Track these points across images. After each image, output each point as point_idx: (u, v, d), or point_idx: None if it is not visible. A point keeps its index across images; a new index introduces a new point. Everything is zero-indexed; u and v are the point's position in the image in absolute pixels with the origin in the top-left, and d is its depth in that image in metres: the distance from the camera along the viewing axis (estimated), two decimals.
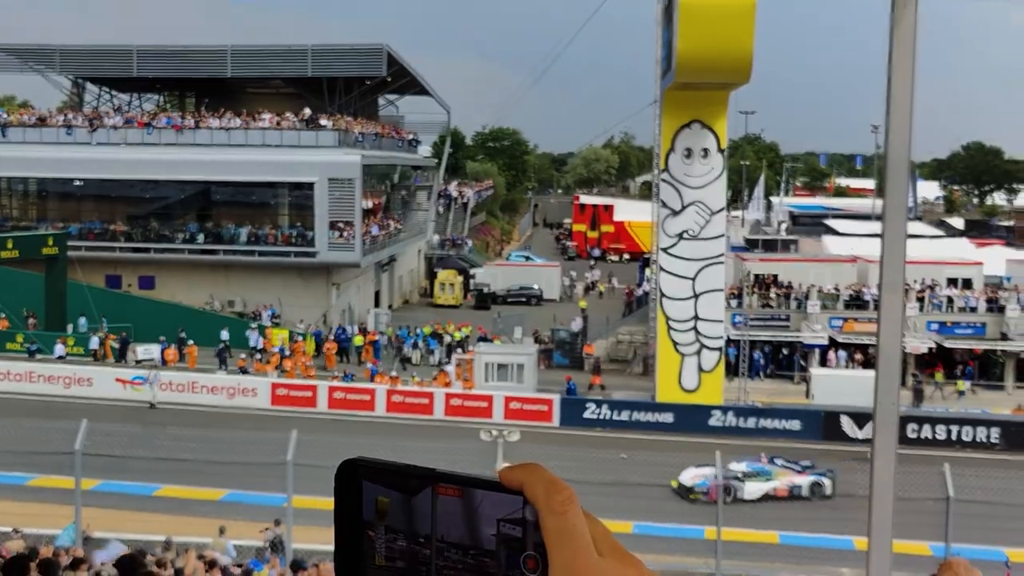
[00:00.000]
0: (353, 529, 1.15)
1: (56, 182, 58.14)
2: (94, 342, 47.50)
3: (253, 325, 51.89)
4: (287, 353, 48.10)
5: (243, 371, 44.27)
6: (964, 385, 47.43)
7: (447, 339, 52.15)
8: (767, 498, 30.45)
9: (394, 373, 45.10)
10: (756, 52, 36.16)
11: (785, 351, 50.80)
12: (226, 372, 44.77)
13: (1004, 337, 49.61)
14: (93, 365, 45.20)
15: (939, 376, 47.75)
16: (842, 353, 49.12)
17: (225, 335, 49.10)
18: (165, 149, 55.95)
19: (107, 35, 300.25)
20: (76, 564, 13.25)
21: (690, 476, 30.90)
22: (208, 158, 55.09)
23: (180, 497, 28.57)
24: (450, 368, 45.82)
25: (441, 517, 1.11)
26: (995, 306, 50.91)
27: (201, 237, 56.47)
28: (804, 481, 30.77)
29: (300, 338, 50.51)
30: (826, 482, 30.71)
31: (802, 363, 49.63)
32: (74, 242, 53.91)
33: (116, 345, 47.95)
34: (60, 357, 45.65)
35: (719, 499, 21.45)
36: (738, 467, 31.16)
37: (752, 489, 30.33)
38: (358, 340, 52.02)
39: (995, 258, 61.93)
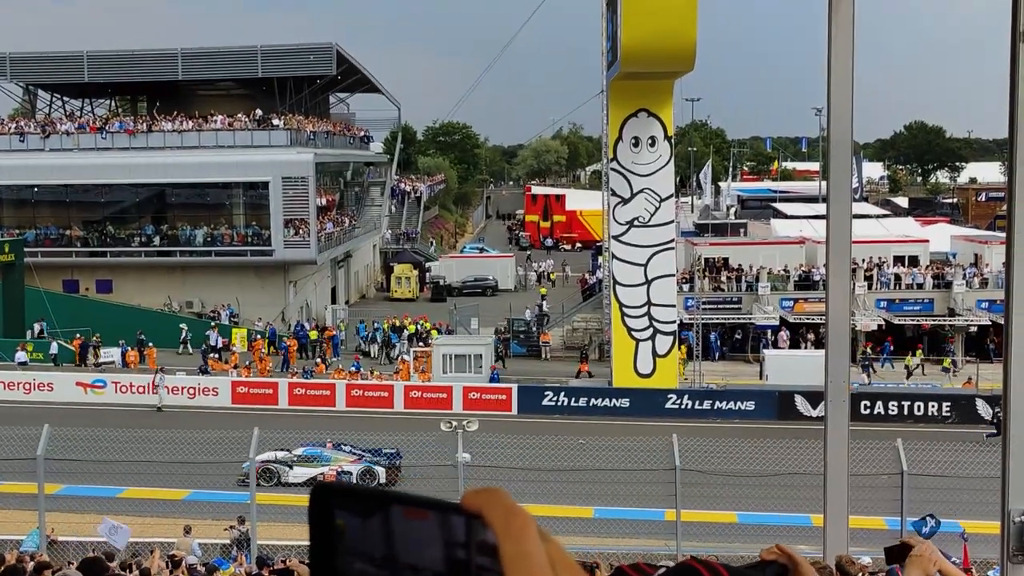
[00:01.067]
0: (322, 555, 1.13)
1: (10, 189, 57.79)
2: (54, 347, 47.42)
3: (213, 325, 52.04)
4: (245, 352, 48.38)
5: (203, 371, 44.39)
6: (913, 361, 48.30)
7: (404, 333, 52.51)
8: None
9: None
10: (699, 38, 36.73)
11: (739, 334, 51.59)
12: (208, 373, 44.74)
13: (951, 313, 50.68)
14: (54, 370, 45.11)
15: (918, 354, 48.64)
16: (786, 332, 49.95)
17: (215, 337, 49.54)
18: (119, 153, 55.87)
19: (58, 41, 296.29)
20: (40, 569, 13.42)
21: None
22: (162, 161, 55.13)
23: (144, 498, 28.59)
24: (408, 359, 46.46)
25: (402, 540, 1.11)
26: (941, 282, 51.99)
27: (157, 239, 56.44)
28: (355, 468, 30.46)
29: (259, 336, 50.70)
30: (379, 470, 30.30)
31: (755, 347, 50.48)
32: (30, 248, 53.83)
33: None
34: (22, 363, 45.52)
35: (677, 480, 22.00)
36: (297, 451, 31.05)
37: (299, 473, 30.01)
38: (313, 334, 52.37)
39: (940, 235, 63.12)
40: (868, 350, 47.70)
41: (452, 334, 50.94)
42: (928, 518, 19.39)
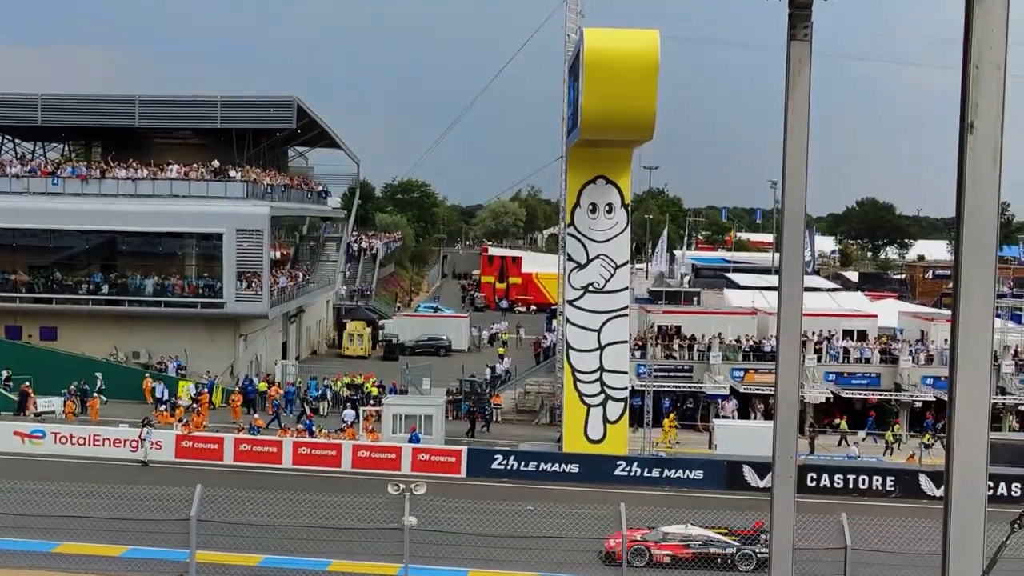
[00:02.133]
0: None
1: None
2: None
3: (159, 377, 51.39)
4: (194, 406, 47.67)
5: (147, 423, 43.60)
6: (859, 436, 48.71)
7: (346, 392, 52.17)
8: None
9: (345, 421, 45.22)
10: (659, 108, 37.06)
11: (690, 403, 51.64)
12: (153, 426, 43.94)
13: (898, 388, 51.13)
14: None
15: (843, 425, 48.95)
16: (733, 402, 50.18)
17: (161, 389, 49.28)
18: (69, 199, 55.21)
19: (10, 83, 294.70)
20: None
21: None
22: (114, 208, 54.55)
23: (80, 554, 28.01)
24: (348, 416, 46.39)
25: None
26: (888, 357, 52.52)
27: (106, 287, 55.63)
28: None
29: (205, 390, 50.09)
30: None
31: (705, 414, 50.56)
32: None
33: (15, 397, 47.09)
34: None
35: (624, 549, 21.82)
36: None
37: None
38: (262, 386, 51.86)
39: (888, 311, 63.87)
40: (843, 423, 48.30)
41: (404, 394, 50.60)
42: None
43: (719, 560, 28.29)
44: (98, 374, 49.79)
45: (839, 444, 47.13)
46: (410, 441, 42.17)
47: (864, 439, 48.48)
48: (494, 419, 50.48)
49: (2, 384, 48.46)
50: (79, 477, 34.42)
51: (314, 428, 43.89)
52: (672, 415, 48.63)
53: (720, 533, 29.28)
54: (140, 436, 40.65)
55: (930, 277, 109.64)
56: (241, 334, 56.08)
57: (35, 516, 26.47)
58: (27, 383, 47.78)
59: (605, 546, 28.40)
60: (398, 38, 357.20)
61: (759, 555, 28.00)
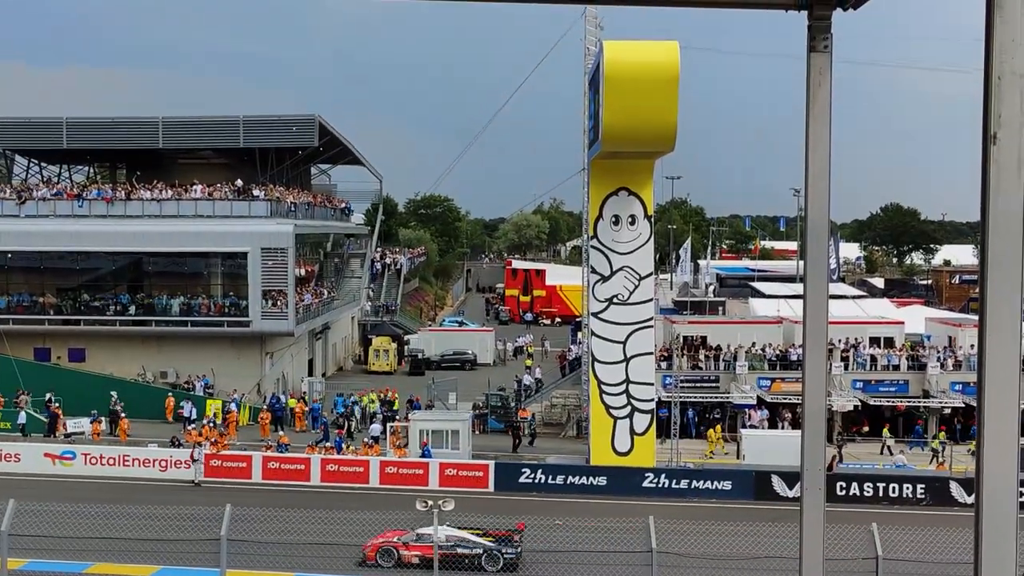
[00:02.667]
0: None
1: None
2: (22, 417, 46.79)
3: (187, 396, 51.62)
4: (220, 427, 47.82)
5: (175, 443, 43.81)
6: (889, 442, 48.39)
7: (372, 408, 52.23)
8: None
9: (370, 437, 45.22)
10: (680, 118, 36.99)
11: (717, 413, 51.47)
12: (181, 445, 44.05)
13: (926, 394, 50.82)
14: (22, 440, 44.45)
15: (886, 432, 48.59)
16: (762, 412, 49.97)
17: (189, 408, 49.64)
18: (96, 221, 55.64)
19: (36, 107, 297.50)
20: None
21: None
22: (139, 229, 54.94)
23: (111, 574, 28.13)
24: (375, 431, 46.70)
25: None
26: (916, 364, 52.22)
27: (133, 308, 56.02)
28: None
29: (233, 408, 50.27)
30: None
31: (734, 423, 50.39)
32: (2, 315, 53.46)
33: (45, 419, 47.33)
34: None
35: (653, 563, 21.72)
36: None
37: None
38: (292, 402, 52.09)
39: (915, 317, 63.50)
40: (886, 431, 48.26)
41: (430, 409, 50.65)
42: None
43: (466, 560, 28.69)
44: (113, 393, 50.03)
45: (881, 452, 46.57)
46: (423, 456, 42.18)
47: (911, 448, 48.02)
48: (527, 431, 50.44)
49: (44, 406, 48.55)
50: (110, 498, 34.57)
51: (343, 445, 43.87)
52: (718, 426, 48.51)
53: (475, 534, 29.55)
54: (192, 456, 40.64)
55: (956, 282, 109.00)
56: (267, 352, 56.29)
57: (67, 538, 26.61)
58: (57, 404, 48.04)
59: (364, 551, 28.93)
60: (418, 52, 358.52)
61: (507, 555, 28.88)
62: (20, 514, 21.31)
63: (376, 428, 47.77)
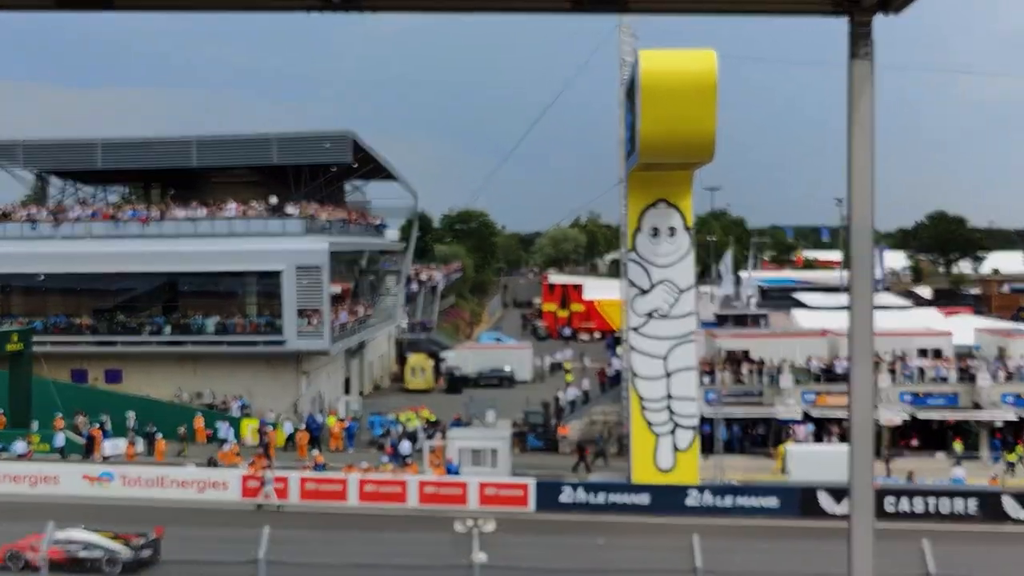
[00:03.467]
0: None
1: (20, 277, 57.64)
2: (60, 439, 46.66)
3: (223, 417, 51.37)
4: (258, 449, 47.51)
5: (212, 464, 43.49)
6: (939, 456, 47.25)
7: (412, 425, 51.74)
8: None
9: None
10: (719, 127, 36.32)
11: (761, 429, 50.58)
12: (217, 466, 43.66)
13: (976, 407, 49.63)
14: (60, 463, 44.27)
15: (958, 447, 47.52)
16: (810, 426, 49.00)
17: (225, 429, 49.46)
18: (131, 241, 55.62)
19: (71, 128, 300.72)
20: None
21: None
22: (174, 249, 54.83)
23: None
24: (404, 449, 46.36)
25: None
26: (966, 375, 51.01)
27: (168, 329, 55.91)
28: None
29: (270, 428, 49.94)
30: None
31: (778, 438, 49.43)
32: (39, 337, 53.40)
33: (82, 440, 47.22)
34: (21, 455, 44.69)
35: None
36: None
37: None
38: (331, 420, 51.77)
39: (964, 327, 62.22)
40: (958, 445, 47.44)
41: (468, 426, 50.06)
42: None
43: (87, 564, 29.13)
44: (130, 413, 49.92)
45: (955, 465, 45.16)
46: (448, 471, 41.58)
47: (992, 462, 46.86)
48: (560, 450, 49.69)
49: (85, 427, 48.48)
50: (148, 520, 34.27)
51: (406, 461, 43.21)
52: (789, 441, 47.51)
53: (108, 537, 29.88)
54: (262, 481, 40.19)
55: (1006, 291, 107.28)
56: (303, 371, 55.94)
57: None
58: (96, 426, 47.89)
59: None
60: (452, 67, 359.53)
61: (126, 559, 29.18)
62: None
63: (406, 446, 47.24)
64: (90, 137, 59.53)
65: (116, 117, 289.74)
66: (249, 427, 50.60)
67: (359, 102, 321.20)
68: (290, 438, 49.95)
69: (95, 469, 42.80)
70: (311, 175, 60.14)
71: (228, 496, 40.73)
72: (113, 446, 46.99)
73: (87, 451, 46.74)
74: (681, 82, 35.84)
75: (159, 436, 47.55)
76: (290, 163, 58.56)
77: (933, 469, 45.08)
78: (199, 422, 51.11)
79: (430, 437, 48.23)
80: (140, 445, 47.52)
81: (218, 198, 58.52)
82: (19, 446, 45.25)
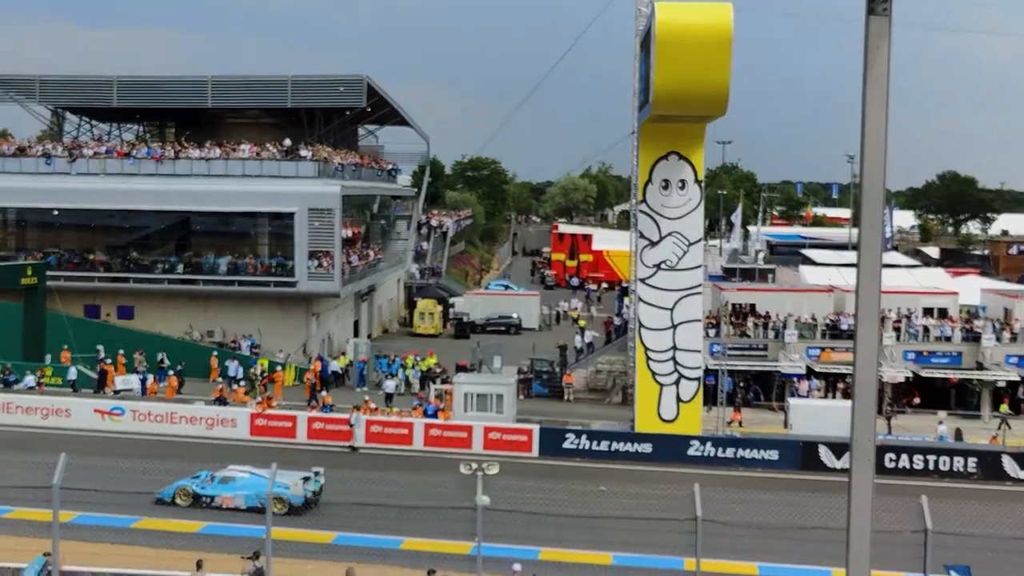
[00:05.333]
0: None
1: (35, 212, 58.08)
2: (72, 372, 47.25)
3: (232, 355, 51.92)
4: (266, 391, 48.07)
5: (222, 401, 44.09)
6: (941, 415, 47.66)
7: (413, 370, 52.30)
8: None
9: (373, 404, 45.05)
10: (732, 82, 36.38)
11: (752, 383, 50.99)
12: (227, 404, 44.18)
13: (980, 366, 50.02)
14: (72, 396, 44.89)
15: (1004, 408, 47.97)
16: (815, 382, 49.42)
17: (234, 368, 49.94)
18: (145, 179, 55.97)
19: (88, 66, 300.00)
20: None
21: None
22: (188, 188, 55.18)
23: (159, 529, 28.37)
24: (388, 387, 47.51)
25: None
26: (970, 335, 51.36)
27: (180, 267, 56.39)
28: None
29: (279, 368, 50.49)
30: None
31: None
32: (53, 272, 53.89)
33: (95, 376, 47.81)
34: (30, 388, 45.28)
35: (698, 531, 21.48)
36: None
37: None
38: (342, 361, 52.38)
39: (970, 288, 62.51)
40: (1005, 406, 47.60)
41: (475, 372, 50.56)
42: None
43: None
44: (160, 354, 50.61)
45: (999, 427, 45.08)
46: (425, 414, 42.02)
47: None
48: (565, 397, 50.27)
49: (97, 362, 49.08)
50: (159, 454, 34.88)
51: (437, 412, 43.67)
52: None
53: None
54: (350, 422, 40.57)
55: (1014, 252, 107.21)
56: (313, 313, 56.47)
57: (116, 492, 26.84)
58: (108, 361, 48.47)
59: None
60: (466, 14, 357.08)
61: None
62: (71, 468, 21.44)
63: (390, 385, 48.05)
64: (106, 75, 59.66)
65: (129, 57, 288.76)
66: (263, 366, 51.14)
67: (371, 47, 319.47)
68: (299, 378, 50.55)
69: (106, 403, 43.43)
70: (325, 118, 60.31)
71: (237, 433, 41.33)
72: (124, 381, 47.57)
73: (99, 386, 47.33)
74: (696, 34, 35.85)
75: (171, 372, 48.14)
76: (304, 106, 58.70)
77: (930, 427, 45.67)
78: (214, 361, 51.66)
79: (434, 382, 48.83)
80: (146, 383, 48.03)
81: (232, 139, 58.76)
82: (29, 379, 45.82)
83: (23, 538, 25.21)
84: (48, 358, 49.01)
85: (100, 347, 49.68)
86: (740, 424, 45.36)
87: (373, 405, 43.43)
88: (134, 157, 57.34)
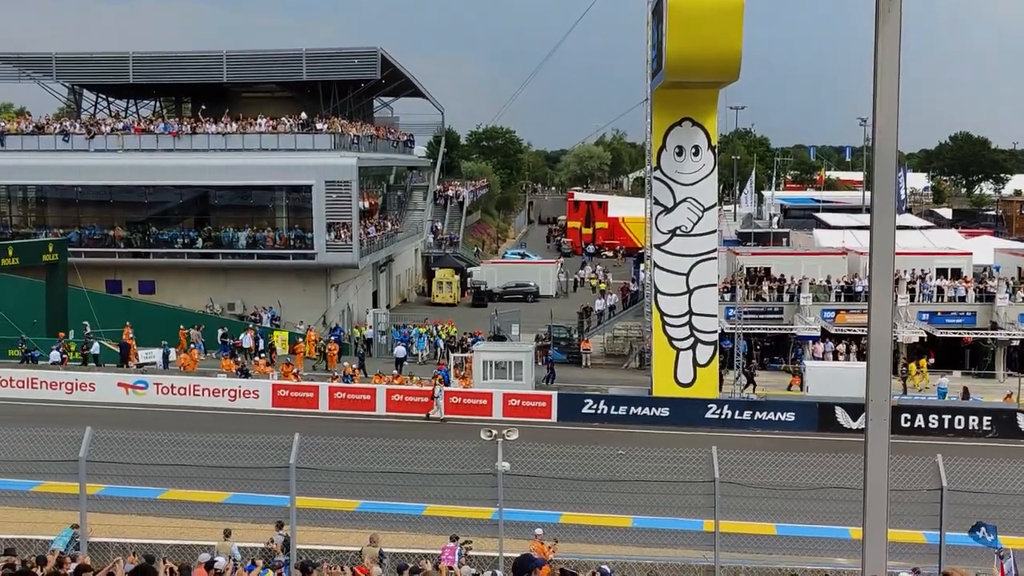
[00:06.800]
0: None
1: (55, 189, 58.61)
2: (95, 347, 47.78)
3: (251, 327, 52.49)
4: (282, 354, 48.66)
5: (244, 373, 44.59)
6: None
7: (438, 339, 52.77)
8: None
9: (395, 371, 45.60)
10: (744, 48, 36.50)
11: (768, 343, 51.25)
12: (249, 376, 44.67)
13: (994, 326, 50.19)
14: (96, 370, 45.42)
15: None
16: (829, 344, 49.66)
17: (249, 340, 50.54)
18: (163, 155, 56.41)
19: (104, 42, 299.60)
20: (80, 572, 13.45)
21: None
22: (206, 163, 55.58)
23: (184, 500, 28.72)
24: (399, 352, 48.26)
25: None
26: (984, 295, 51.50)
27: (200, 241, 56.88)
28: None
29: (300, 340, 51.00)
30: None
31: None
32: (74, 248, 54.41)
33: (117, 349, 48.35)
34: (55, 363, 45.86)
35: (716, 492, 21.83)
36: None
37: None
38: (357, 332, 53.00)
39: (984, 248, 62.53)
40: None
41: (496, 340, 50.98)
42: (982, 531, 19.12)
43: None
44: (195, 328, 51.20)
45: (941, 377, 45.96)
46: (445, 383, 42.49)
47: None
48: (583, 363, 50.63)
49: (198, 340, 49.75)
50: (182, 426, 35.31)
51: (450, 377, 44.18)
52: (924, 359, 48.23)
53: None
54: (433, 394, 40.91)
55: None
56: (332, 284, 56.93)
57: (142, 464, 27.24)
58: (130, 335, 49.02)
59: None
60: None
61: None
62: (96, 441, 21.80)
63: (400, 350, 48.55)
64: (122, 51, 59.94)
65: (139, 32, 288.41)
66: (280, 338, 51.64)
67: (386, 19, 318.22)
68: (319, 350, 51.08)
69: (130, 377, 43.97)
70: (340, 91, 60.50)
71: (259, 404, 41.84)
72: (147, 355, 48.10)
73: (122, 360, 47.85)
74: (708, 1, 35.99)
75: (193, 346, 48.64)
76: (319, 79, 58.87)
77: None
78: (183, 332, 52.02)
79: (453, 350, 49.27)
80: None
81: (248, 113, 59.07)
82: (54, 355, 46.37)
83: (51, 511, 25.50)
84: (71, 333, 49.49)
85: (86, 323, 49.68)
86: (755, 388, 45.71)
87: (395, 372, 43.87)
88: (152, 133, 57.74)
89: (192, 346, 49.22)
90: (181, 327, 50.80)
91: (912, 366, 46.95)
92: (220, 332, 51.47)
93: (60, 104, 68.12)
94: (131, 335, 48.79)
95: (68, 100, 66.18)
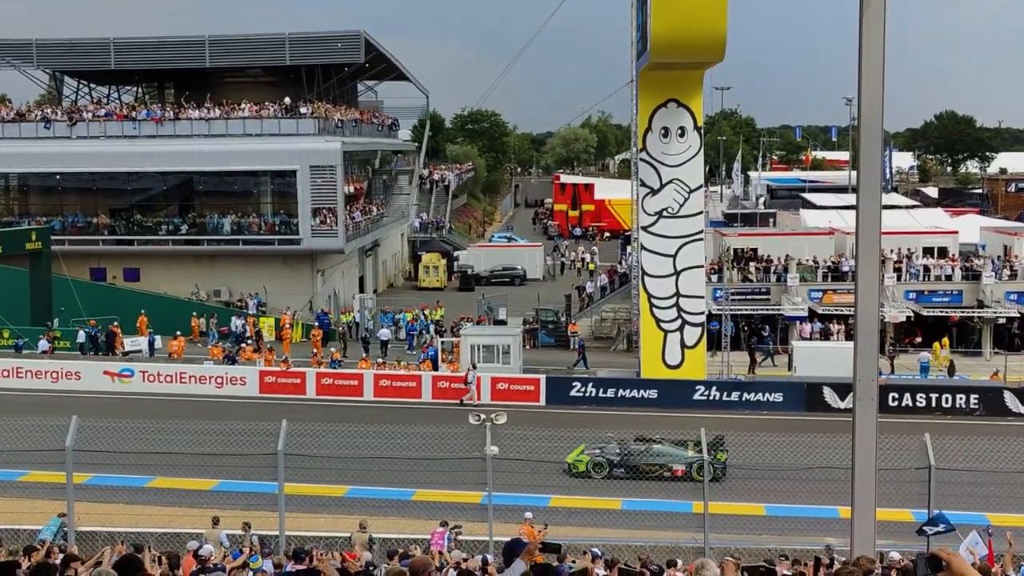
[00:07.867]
0: None
1: (37, 177, 58.18)
2: (81, 335, 47.56)
3: (238, 314, 52.30)
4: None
5: (231, 360, 44.44)
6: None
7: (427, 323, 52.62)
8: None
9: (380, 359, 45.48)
10: (729, 27, 36.38)
11: (755, 325, 51.24)
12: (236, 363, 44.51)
13: (980, 304, 50.29)
14: (81, 359, 45.22)
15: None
16: (817, 324, 49.68)
17: (240, 326, 50.36)
18: (146, 141, 56.05)
19: (84, 28, 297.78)
20: (68, 561, 13.32)
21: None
22: (189, 149, 55.27)
23: (172, 488, 28.70)
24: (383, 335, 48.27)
25: None
26: (970, 274, 51.59)
27: (184, 228, 56.60)
28: None
29: (286, 326, 50.83)
30: None
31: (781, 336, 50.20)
32: (57, 236, 54.10)
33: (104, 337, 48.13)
34: (43, 352, 45.63)
35: (705, 473, 21.84)
36: None
37: None
38: (346, 317, 52.86)
39: (970, 227, 62.62)
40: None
41: (482, 324, 50.89)
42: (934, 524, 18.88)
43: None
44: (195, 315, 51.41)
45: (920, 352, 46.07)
46: (433, 367, 42.56)
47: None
48: (571, 346, 50.57)
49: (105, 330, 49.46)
50: (169, 414, 35.19)
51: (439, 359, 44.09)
52: (945, 339, 48.15)
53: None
54: (466, 380, 40.71)
55: (1013, 191, 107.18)
56: (318, 269, 56.73)
57: (129, 453, 27.12)
58: (115, 323, 48.78)
59: None
60: None
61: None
62: (83, 430, 21.65)
63: (385, 333, 48.63)
64: (102, 36, 59.48)
65: (123, 16, 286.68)
66: (265, 324, 51.47)
67: (370, 1, 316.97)
68: (306, 334, 50.95)
69: (115, 365, 43.81)
70: (324, 75, 60.18)
71: (246, 391, 41.74)
72: (133, 343, 47.89)
73: (107, 348, 47.62)
74: None
75: (178, 333, 48.40)
76: (302, 63, 58.54)
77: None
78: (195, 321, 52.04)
79: (440, 335, 49.17)
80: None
81: (232, 98, 58.73)
82: (42, 344, 46.13)
83: (39, 500, 25.49)
84: (56, 322, 49.21)
85: (63, 309, 49.68)
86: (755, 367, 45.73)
87: (380, 360, 43.76)
88: (134, 119, 57.37)
89: (208, 337, 49.09)
90: (194, 315, 51.29)
91: (936, 345, 46.91)
92: (211, 320, 51.33)
93: (41, 91, 67.65)
94: (147, 325, 48.43)
95: (49, 87, 65.71)
